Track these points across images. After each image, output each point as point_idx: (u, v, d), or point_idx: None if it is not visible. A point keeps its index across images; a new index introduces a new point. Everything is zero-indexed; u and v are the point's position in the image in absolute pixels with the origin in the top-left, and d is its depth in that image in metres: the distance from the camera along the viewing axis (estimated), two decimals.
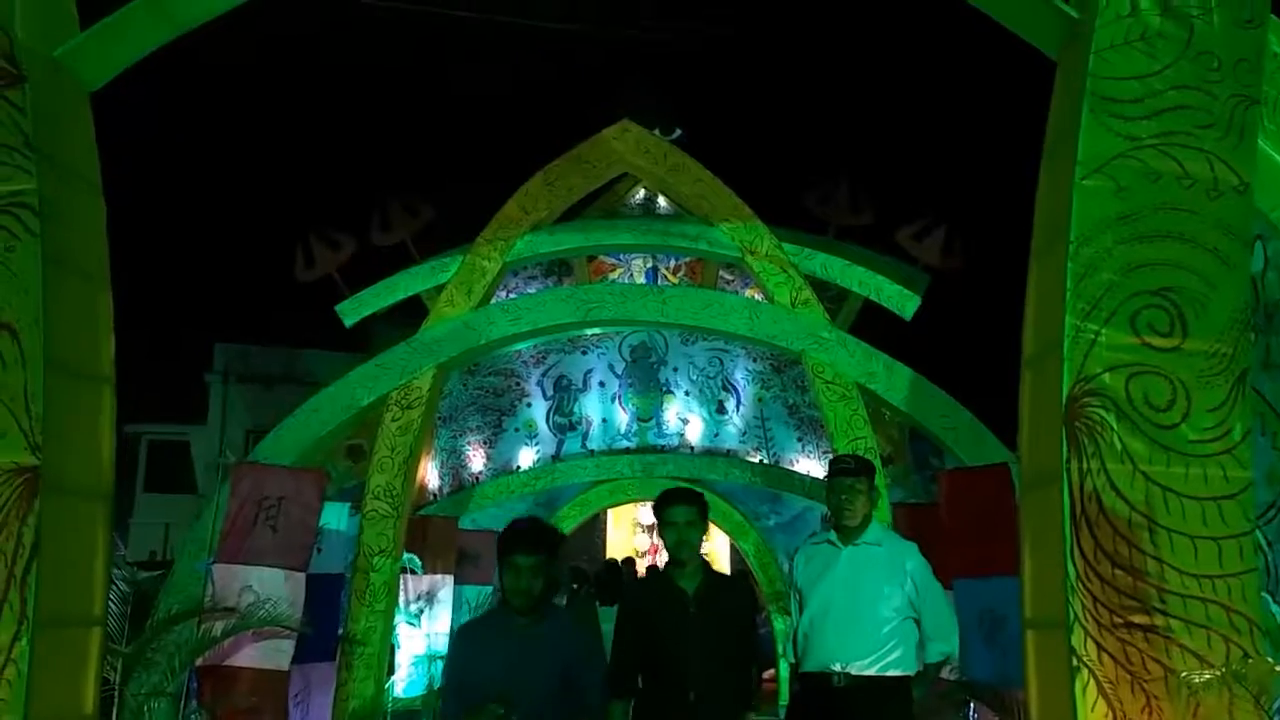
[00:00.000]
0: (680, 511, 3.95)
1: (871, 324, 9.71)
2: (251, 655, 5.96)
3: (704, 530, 4.09)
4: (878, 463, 8.31)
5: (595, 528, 17.60)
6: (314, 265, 9.05)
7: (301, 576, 6.25)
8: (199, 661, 5.83)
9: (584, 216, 10.54)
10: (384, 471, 8.58)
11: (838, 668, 3.93)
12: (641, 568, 14.91)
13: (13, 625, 3.97)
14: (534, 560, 3.54)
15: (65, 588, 4.25)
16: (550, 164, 9.14)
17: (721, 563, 18.39)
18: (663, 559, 16.07)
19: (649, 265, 13.30)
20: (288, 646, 6.06)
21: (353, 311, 9.18)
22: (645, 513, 18.42)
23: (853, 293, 9.93)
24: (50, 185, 4.44)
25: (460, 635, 4.05)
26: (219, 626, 5.75)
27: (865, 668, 3.87)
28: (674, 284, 12.32)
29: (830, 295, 9.46)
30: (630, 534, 19.15)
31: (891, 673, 3.89)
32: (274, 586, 6.06)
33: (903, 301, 8.74)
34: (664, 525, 3.98)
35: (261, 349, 23.14)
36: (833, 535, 4.18)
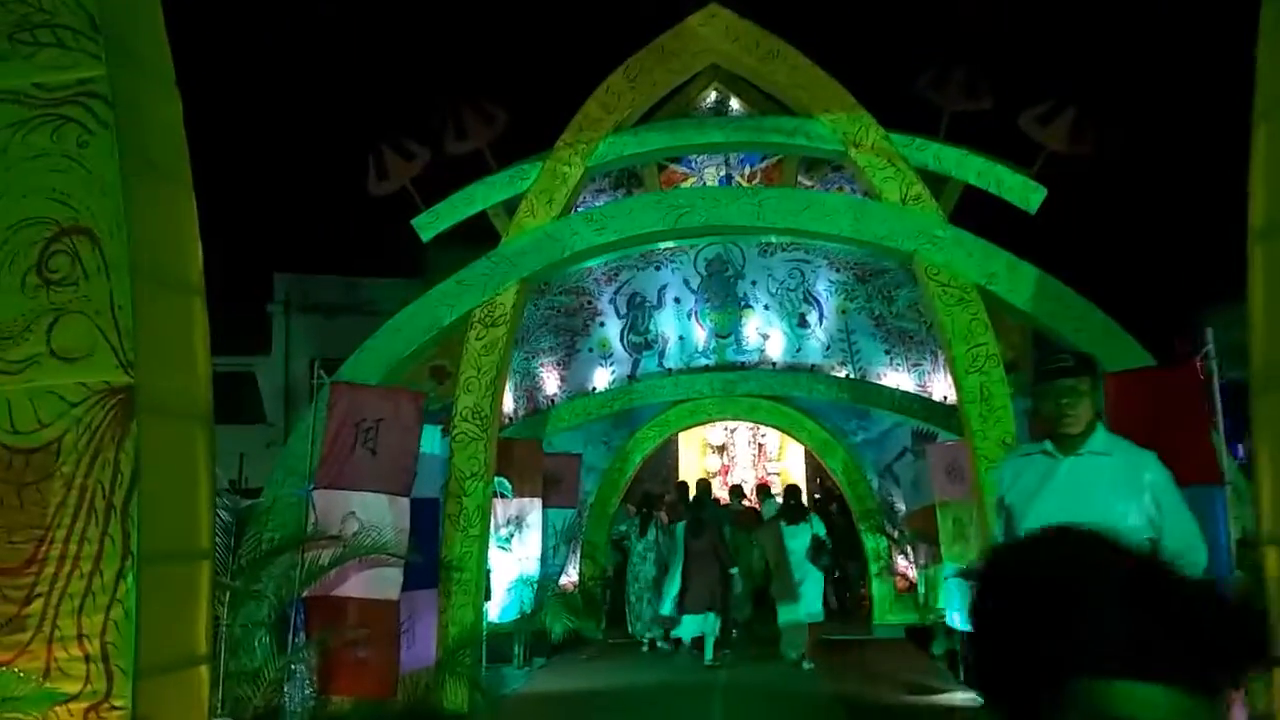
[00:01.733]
0: None
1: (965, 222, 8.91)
2: (359, 585, 5.63)
3: None
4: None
5: (667, 449, 17.22)
6: (387, 177, 8.52)
7: (405, 502, 5.88)
8: (306, 592, 5.51)
9: (653, 122, 9.86)
10: (471, 392, 8.18)
11: None
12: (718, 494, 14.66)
13: (116, 561, 3.61)
14: None
15: (169, 519, 3.88)
16: (631, 57, 8.45)
17: (795, 476, 18.03)
18: (740, 477, 15.55)
19: (722, 174, 12.58)
20: (395, 575, 5.72)
21: (429, 226, 8.68)
22: (715, 433, 18.01)
23: (946, 189, 9.13)
24: (121, 74, 3.95)
25: None
26: (325, 555, 5.41)
27: None
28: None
29: None
30: (701, 455, 18.78)
31: None
32: (378, 512, 5.69)
33: (1026, 193, 7.98)
34: None
35: (321, 278, 23.03)
36: (1048, 444, 3.59)
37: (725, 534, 10.73)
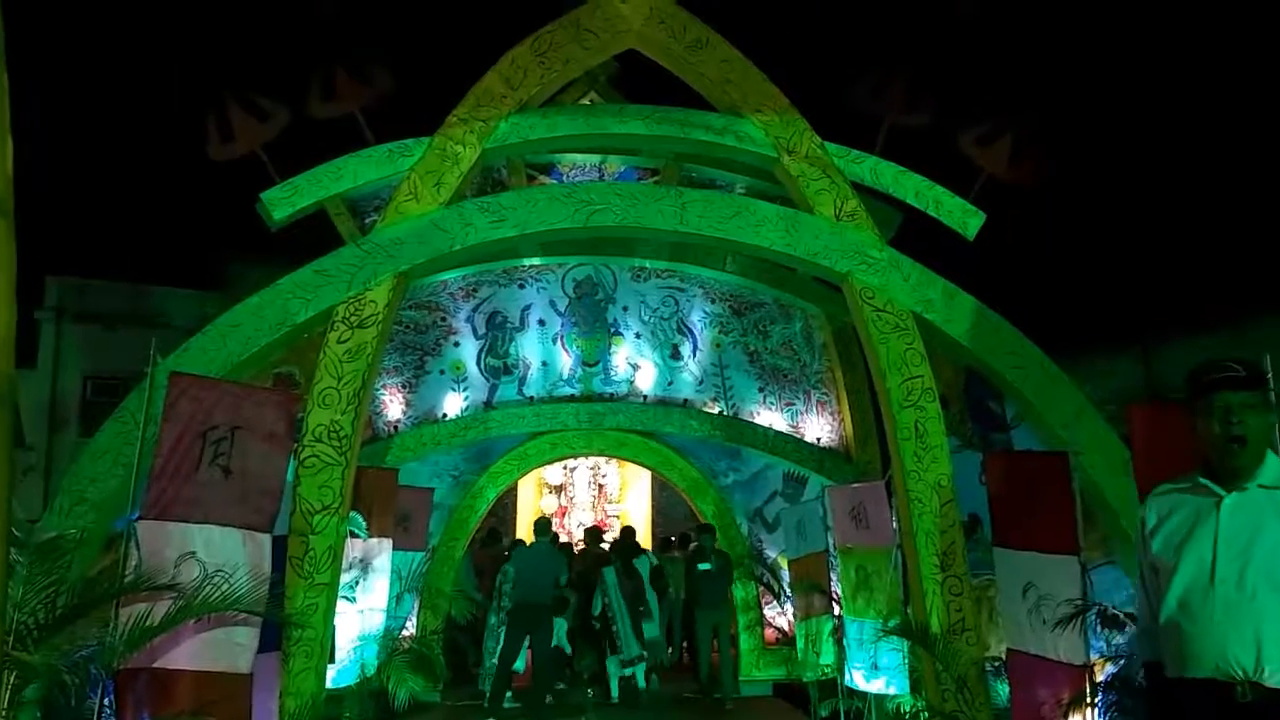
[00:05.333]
0: None
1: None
2: (196, 652, 4.08)
3: None
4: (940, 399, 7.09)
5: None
6: (233, 139, 6.94)
7: (265, 539, 4.40)
8: (118, 665, 3.92)
9: (563, 105, 8.80)
10: (328, 407, 6.69)
11: (1240, 674, 2.57)
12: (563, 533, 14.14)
13: None
14: None
15: None
16: (541, 30, 7.37)
17: (635, 519, 17.17)
18: (574, 520, 15.73)
19: None
20: (248, 638, 4.21)
21: (284, 201, 7.12)
22: (553, 472, 16.88)
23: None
24: None
25: None
26: (155, 612, 3.86)
27: None
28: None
29: None
30: (538, 495, 17.61)
31: None
32: (227, 552, 4.19)
33: (965, 218, 7.48)
34: None
35: (102, 284, 20.36)
36: (1201, 478, 2.80)
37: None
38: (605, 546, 12.30)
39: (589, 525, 15.06)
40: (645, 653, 10.43)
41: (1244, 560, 2.66)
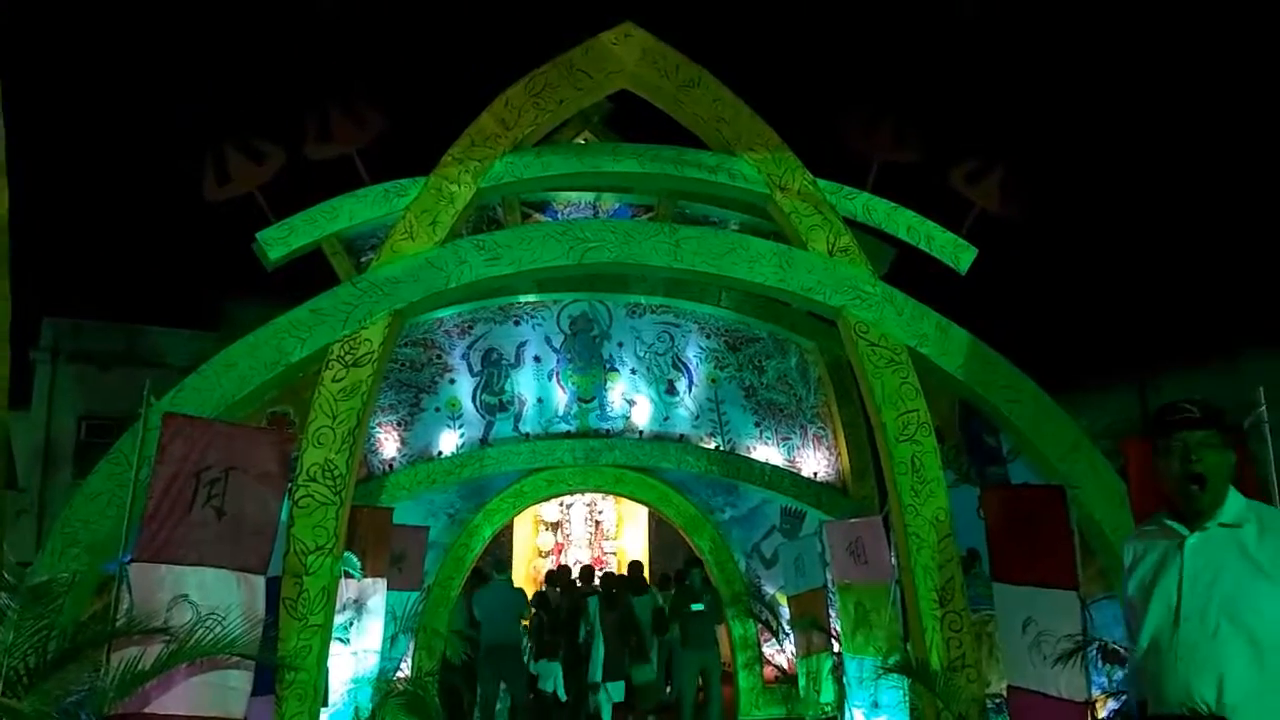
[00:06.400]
0: None
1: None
2: (189, 696, 4.03)
3: None
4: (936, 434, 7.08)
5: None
6: (229, 181, 6.98)
7: (259, 581, 4.37)
8: (110, 710, 3.87)
9: (558, 144, 8.87)
10: (322, 446, 6.66)
11: (1204, 710, 2.59)
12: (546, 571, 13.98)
13: None
14: None
15: None
16: (535, 70, 7.45)
17: (633, 555, 17.04)
18: (572, 558, 15.46)
19: None
20: (242, 682, 4.16)
21: (279, 241, 7.14)
22: (549, 509, 16.78)
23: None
24: None
25: None
26: (147, 656, 3.81)
27: (1253, 718, 2.54)
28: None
29: None
30: (534, 533, 17.49)
31: None
32: (221, 594, 4.15)
33: (957, 253, 7.53)
34: None
35: (97, 324, 20.39)
36: (1167, 519, 2.83)
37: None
38: (594, 583, 12.17)
39: (559, 565, 14.85)
40: (600, 683, 10.32)
41: (1206, 598, 2.67)
